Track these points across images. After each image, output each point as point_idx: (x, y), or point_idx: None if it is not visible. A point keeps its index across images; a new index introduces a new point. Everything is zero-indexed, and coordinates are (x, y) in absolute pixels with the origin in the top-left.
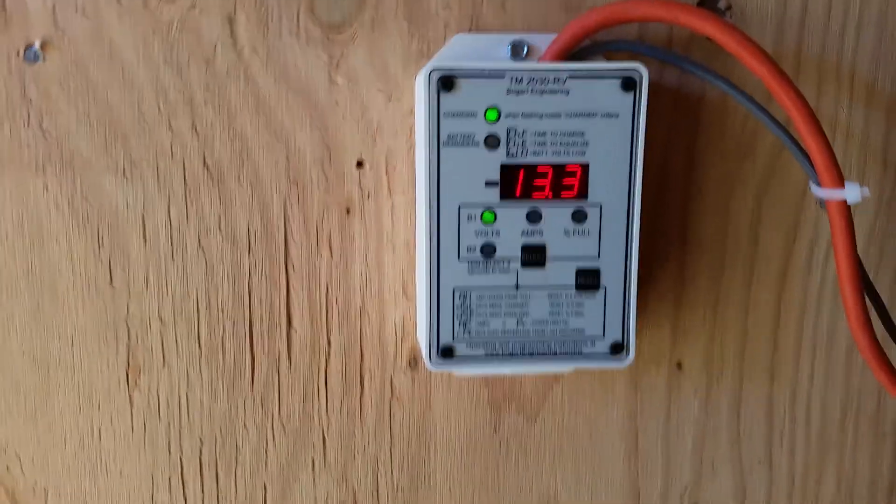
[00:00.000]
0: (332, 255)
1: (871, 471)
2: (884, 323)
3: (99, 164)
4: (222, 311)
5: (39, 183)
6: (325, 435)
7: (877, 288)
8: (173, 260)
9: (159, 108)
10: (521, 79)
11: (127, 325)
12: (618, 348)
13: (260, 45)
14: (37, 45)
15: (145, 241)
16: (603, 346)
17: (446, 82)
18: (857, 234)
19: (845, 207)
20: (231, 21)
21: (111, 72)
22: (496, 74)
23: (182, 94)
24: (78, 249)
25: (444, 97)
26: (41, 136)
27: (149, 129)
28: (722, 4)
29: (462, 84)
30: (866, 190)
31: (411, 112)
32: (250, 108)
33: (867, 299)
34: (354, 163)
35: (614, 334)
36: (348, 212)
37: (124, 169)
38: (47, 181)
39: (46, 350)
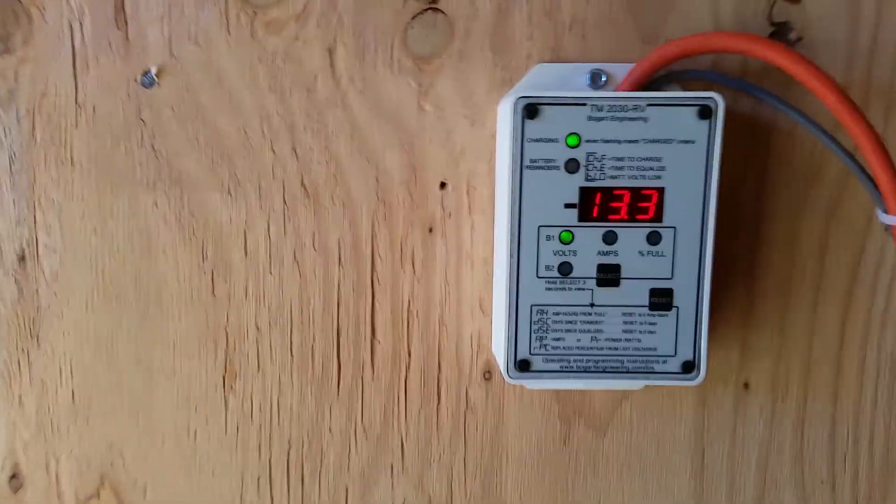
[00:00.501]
0: (414, 271)
1: None
2: None
3: (205, 182)
4: (313, 321)
5: (150, 199)
6: (404, 442)
7: None
8: (271, 273)
9: (263, 133)
10: (602, 106)
11: (226, 332)
12: (689, 367)
13: (357, 75)
14: (153, 71)
15: (246, 254)
16: (675, 364)
17: (531, 110)
18: None
19: None
20: (331, 52)
21: (219, 97)
22: (578, 102)
23: (284, 120)
24: (183, 261)
25: (529, 124)
26: (153, 156)
27: (253, 151)
28: (793, 36)
29: (545, 111)
30: None
31: (493, 136)
32: (346, 133)
33: None
34: (438, 184)
35: (686, 353)
36: (431, 230)
37: (229, 188)
38: (157, 198)
39: (150, 354)
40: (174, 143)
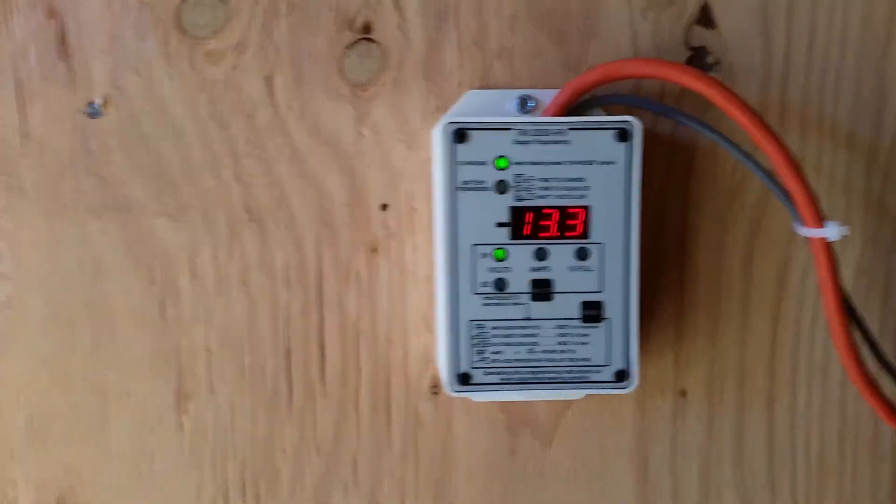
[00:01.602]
0: (360, 290)
1: (871, 495)
2: (873, 353)
3: (151, 208)
4: (263, 341)
5: (98, 226)
6: (357, 458)
7: (867, 319)
8: (220, 295)
9: (206, 159)
10: (527, 131)
11: (178, 355)
12: (622, 375)
13: (295, 102)
14: (97, 102)
15: (194, 277)
16: (608, 373)
17: (460, 134)
18: (845, 267)
19: (827, 244)
20: (269, 81)
21: (163, 126)
22: (504, 127)
23: (225, 146)
24: (132, 286)
25: (459, 147)
26: (100, 184)
27: (196, 177)
28: (709, 60)
29: (474, 136)
30: (845, 229)
31: (429, 159)
32: (286, 158)
33: (858, 330)
34: (379, 205)
35: (619, 362)
36: (374, 250)
37: (174, 213)
38: (105, 225)
39: (104, 378)
40: (120, 171)
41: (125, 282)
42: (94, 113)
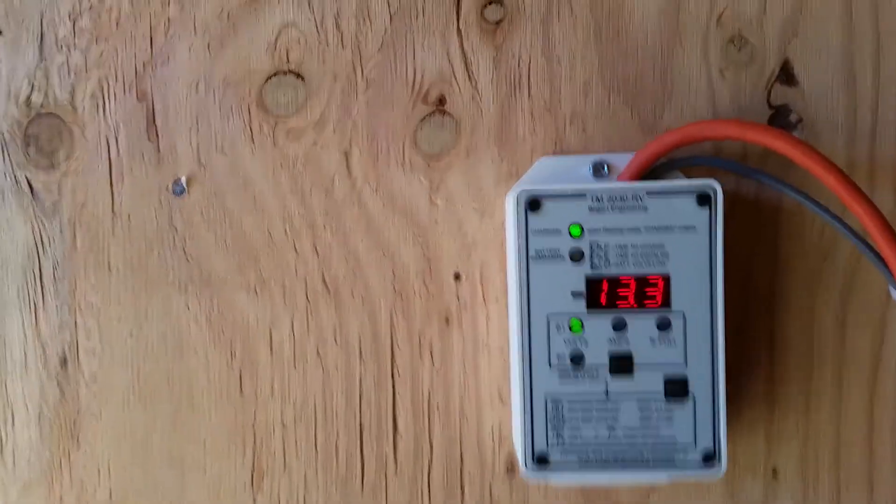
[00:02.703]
0: (433, 362)
1: None
2: None
3: (233, 282)
4: (336, 416)
5: (182, 300)
6: None
7: None
8: (295, 368)
9: (286, 232)
10: (602, 197)
11: (254, 430)
12: (710, 458)
13: (371, 175)
14: (183, 180)
15: (271, 352)
16: (695, 455)
17: (533, 203)
18: None
19: None
20: (347, 155)
21: (245, 201)
22: (578, 194)
23: (305, 220)
24: (213, 360)
25: (532, 216)
26: (184, 259)
27: (276, 250)
28: (793, 118)
29: (547, 204)
30: None
31: (502, 226)
32: (362, 229)
33: None
34: (452, 275)
35: (705, 443)
36: (447, 321)
37: (255, 287)
38: (188, 299)
39: (182, 452)
40: (203, 247)
41: (206, 356)
42: (179, 190)
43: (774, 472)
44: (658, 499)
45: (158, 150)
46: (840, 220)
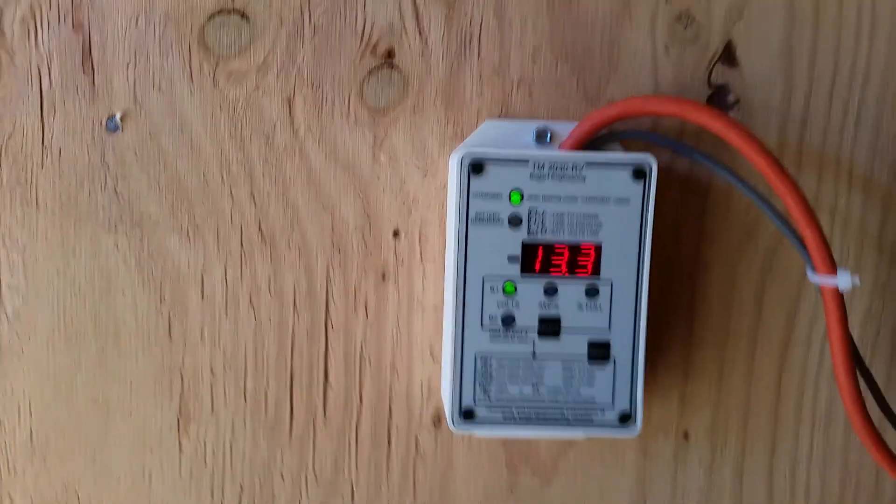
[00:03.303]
0: (367, 317)
1: None
2: (878, 403)
3: (165, 225)
4: (267, 365)
5: (111, 240)
6: (354, 488)
7: (873, 368)
8: (227, 315)
9: (222, 178)
10: (543, 165)
11: (181, 374)
12: (626, 418)
13: (314, 125)
14: (117, 116)
15: (203, 297)
16: (612, 415)
17: (476, 166)
18: (854, 315)
19: (838, 293)
20: (290, 103)
21: (181, 143)
22: (520, 161)
23: (243, 166)
24: (141, 302)
25: (474, 179)
26: (115, 199)
27: (212, 196)
28: (731, 98)
29: (490, 168)
30: (857, 278)
31: (444, 187)
32: (303, 180)
33: (864, 380)
34: (391, 232)
35: (623, 404)
36: (384, 277)
37: (188, 231)
38: (118, 239)
39: (107, 393)
40: (136, 187)
41: (134, 298)
42: (113, 127)
43: (686, 434)
44: (575, 453)
45: (93, 84)
46: (765, 201)
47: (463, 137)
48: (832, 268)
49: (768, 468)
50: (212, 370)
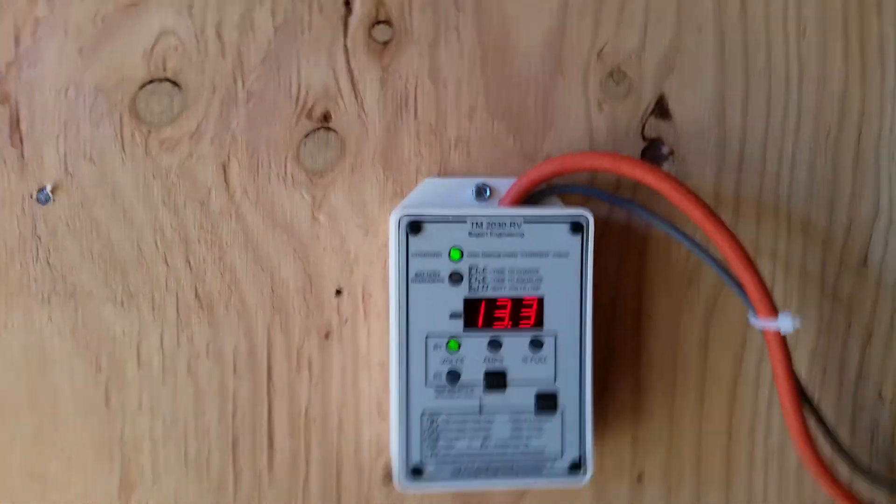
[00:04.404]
0: (311, 377)
1: None
2: (829, 439)
3: (99, 295)
4: (209, 431)
5: (45, 313)
6: None
7: (822, 404)
8: (164, 383)
9: (156, 245)
10: (481, 223)
11: (121, 444)
12: (576, 466)
13: (250, 189)
14: (48, 188)
15: (139, 365)
16: (562, 464)
17: (414, 226)
18: (800, 354)
19: (780, 336)
20: (225, 167)
21: (113, 212)
22: (458, 219)
23: (178, 232)
24: (78, 373)
25: (412, 239)
26: (48, 270)
27: (146, 263)
28: (665, 150)
29: (428, 227)
30: (797, 321)
31: (386, 245)
32: (240, 243)
33: (814, 417)
34: (334, 291)
35: (572, 453)
36: (327, 336)
37: (122, 300)
38: (52, 311)
39: (45, 468)
40: (69, 258)
41: (70, 369)
42: (44, 199)
43: (640, 476)
44: (529, 501)
45: (22, 157)
46: (703, 250)
47: (403, 195)
48: (773, 312)
49: None
50: (152, 438)
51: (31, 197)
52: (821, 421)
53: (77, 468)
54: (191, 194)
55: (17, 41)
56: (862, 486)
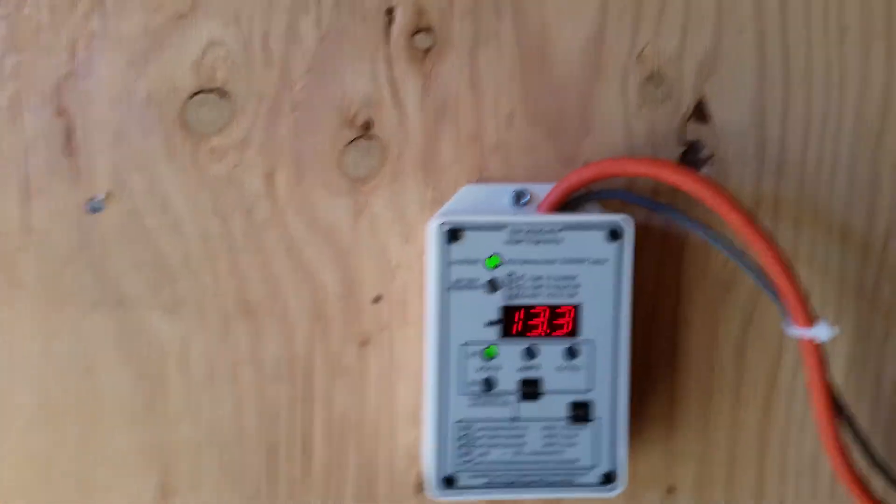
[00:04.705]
0: (348, 385)
1: None
2: (864, 451)
3: (146, 303)
4: (248, 438)
5: (92, 320)
6: None
7: (858, 415)
8: (207, 389)
9: (204, 253)
10: (520, 230)
11: (163, 450)
12: (609, 478)
13: (294, 197)
14: (100, 197)
15: (182, 372)
16: (595, 475)
17: (453, 233)
18: (837, 362)
19: (816, 345)
20: (270, 177)
21: (162, 221)
22: (497, 226)
23: (224, 241)
24: (122, 380)
25: (452, 246)
26: (97, 279)
27: (193, 271)
28: (704, 154)
29: (467, 235)
30: (836, 329)
31: (424, 252)
32: (283, 251)
33: (849, 428)
34: (373, 298)
35: (606, 465)
36: (365, 343)
37: (169, 307)
38: (99, 318)
39: (89, 474)
40: (118, 266)
41: (115, 375)
42: (95, 208)
43: (671, 488)
44: None
45: (76, 167)
46: (741, 256)
47: (442, 202)
48: (810, 320)
49: None
50: (192, 445)
51: (83, 206)
52: (856, 433)
53: (120, 475)
54: (237, 203)
55: (72, 54)
56: None
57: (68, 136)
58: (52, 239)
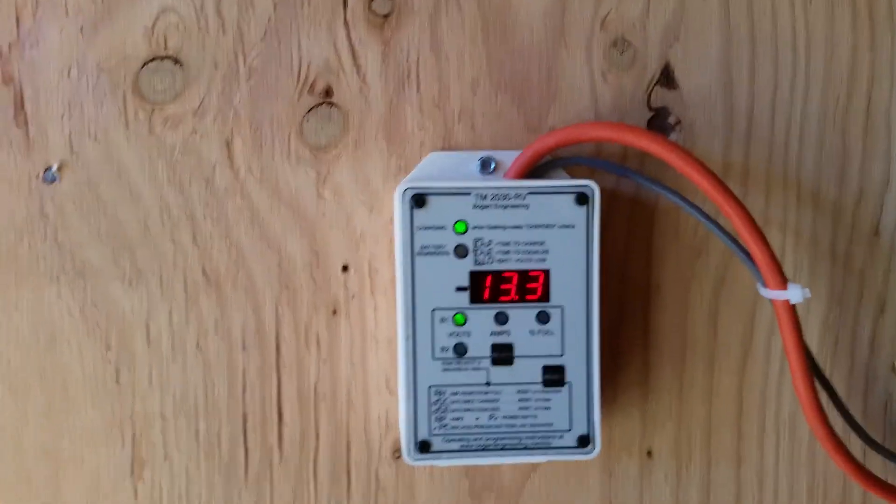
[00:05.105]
0: (319, 353)
1: None
2: (840, 412)
3: (107, 273)
4: (218, 407)
5: (53, 291)
6: None
7: (834, 377)
8: (174, 360)
9: (163, 223)
10: (486, 195)
11: (132, 421)
12: (584, 441)
13: (255, 165)
14: (54, 167)
15: (149, 343)
16: (570, 438)
17: (418, 199)
18: (811, 326)
19: (790, 306)
20: (229, 144)
21: (119, 190)
22: (463, 192)
23: (183, 210)
24: (87, 352)
25: (417, 212)
26: (56, 249)
27: (153, 241)
28: (671, 120)
29: (432, 200)
30: (807, 291)
31: (391, 221)
32: (246, 220)
33: (825, 390)
34: (340, 267)
35: (581, 427)
36: (335, 312)
37: (130, 278)
38: (60, 289)
39: (57, 445)
40: (76, 237)
41: (80, 347)
42: (50, 178)
43: (649, 452)
44: (538, 476)
45: (28, 137)
46: (712, 220)
47: (407, 171)
48: (783, 282)
49: (735, 481)
50: (162, 415)
51: (38, 177)
52: (832, 394)
53: (89, 445)
54: (195, 172)
55: (18, 21)
56: (876, 460)
57: (18, 105)
58: (7, 210)
